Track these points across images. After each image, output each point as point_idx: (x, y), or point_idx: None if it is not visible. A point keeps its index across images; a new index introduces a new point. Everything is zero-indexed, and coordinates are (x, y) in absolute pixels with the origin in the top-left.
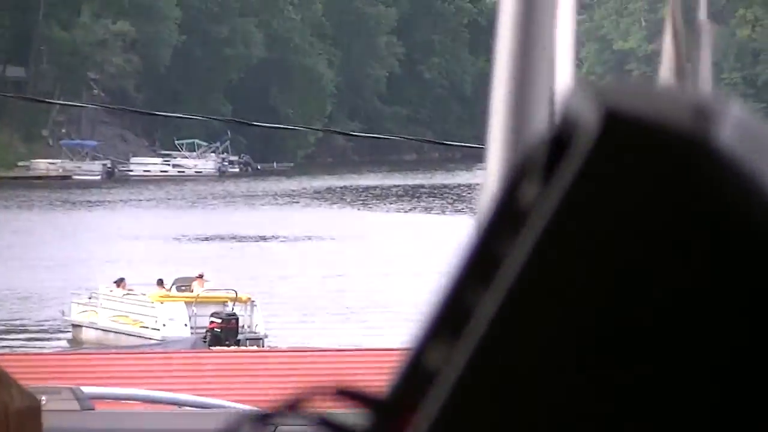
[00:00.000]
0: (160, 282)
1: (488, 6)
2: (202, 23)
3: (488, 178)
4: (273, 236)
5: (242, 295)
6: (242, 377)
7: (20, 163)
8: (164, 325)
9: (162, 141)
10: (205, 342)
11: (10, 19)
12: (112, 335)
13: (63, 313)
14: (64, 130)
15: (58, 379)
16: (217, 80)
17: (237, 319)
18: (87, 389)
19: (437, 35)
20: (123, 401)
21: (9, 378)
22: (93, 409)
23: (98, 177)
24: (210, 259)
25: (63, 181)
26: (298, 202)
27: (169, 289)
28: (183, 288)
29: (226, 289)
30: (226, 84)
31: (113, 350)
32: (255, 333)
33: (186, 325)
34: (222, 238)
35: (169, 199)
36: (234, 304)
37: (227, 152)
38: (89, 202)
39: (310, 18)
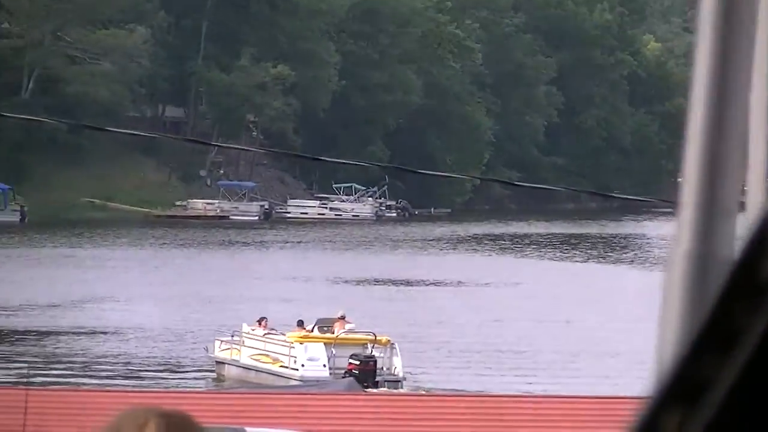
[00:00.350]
0: (300, 323)
1: (648, 58)
2: (362, 69)
3: (681, 232)
4: (428, 281)
5: (381, 338)
6: (394, 420)
7: (178, 203)
8: (303, 365)
9: (319, 184)
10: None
11: (170, 60)
12: (252, 373)
13: (206, 350)
14: (222, 171)
15: (219, 417)
16: (375, 125)
17: (375, 362)
18: (251, 430)
19: (596, 86)
20: None
21: (191, 422)
22: None
23: (255, 218)
24: (363, 301)
25: (220, 221)
26: (455, 248)
27: (311, 330)
28: (324, 329)
29: (366, 331)
30: (384, 129)
31: (274, 390)
32: (394, 375)
33: (325, 365)
34: (377, 282)
35: (325, 241)
36: (373, 346)
37: (385, 197)
38: (245, 242)
39: (469, 67)
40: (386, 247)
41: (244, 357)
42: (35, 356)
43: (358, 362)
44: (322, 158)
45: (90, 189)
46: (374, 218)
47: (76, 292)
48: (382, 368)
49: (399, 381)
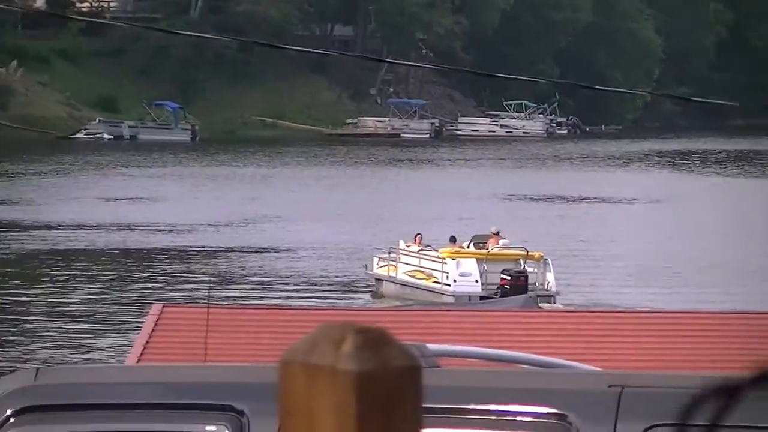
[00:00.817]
0: (453, 239)
1: None
2: None
3: None
4: (598, 198)
5: (534, 253)
6: (573, 336)
7: (348, 121)
8: (455, 280)
9: (489, 101)
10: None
11: None
12: (408, 289)
13: (366, 267)
14: (391, 89)
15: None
16: (544, 43)
17: (526, 277)
18: (432, 347)
19: (764, 2)
20: (464, 358)
21: (389, 337)
22: (438, 367)
23: (426, 135)
24: (527, 218)
25: (391, 139)
26: (628, 165)
27: (467, 246)
28: (480, 245)
29: (519, 246)
30: (554, 47)
31: (442, 307)
32: (546, 290)
33: (477, 281)
34: (549, 199)
35: (496, 159)
36: (525, 262)
37: (555, 114)
38: (415, 160)
39: None
40: (558, 164)
41: (400, 273)
42: (212, 274)
43: (509, 277)
44: (497, 75)
45: (260, 107)
46: (545, 135)
47: (247, 211)
48: (534, 283)
49: (552, 296)
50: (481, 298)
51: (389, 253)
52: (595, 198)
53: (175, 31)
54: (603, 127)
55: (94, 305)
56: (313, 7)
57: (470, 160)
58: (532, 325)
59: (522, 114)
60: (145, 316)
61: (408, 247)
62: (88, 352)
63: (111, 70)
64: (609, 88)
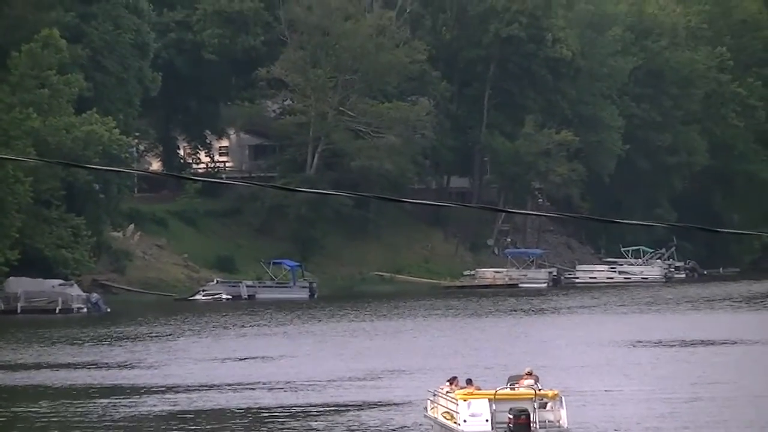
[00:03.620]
0: (469, 381)
1: None
2: (645, 131)
3: None
4: (718, 341)
5: (548, 392)
6: None
7: (466, 272)
8: (465, 420)
9: (607, 248)
10: None
11: (454, 130)
12: (439, 429)
13: (425, 409)
14: (509, 239)
15: None
16: (661, 188)
17: (528, 415)
18: None
19: None
20: None
21: None
22: None
23: (544, 284)
24: (640, 364)
25: (509, 289)
26: (746, 307)
27: (513, 387)
28: (513, 385)
29: (533, 387)
30: (670, 191)
31: None
32: (557, 426)
33: (487, 420)
34: (670, 344)
35: (615, 305)
36: (538, 400)
37: (673, 258)
38: (533, 309)
39: (753, 125)
40: (676, 307)
41: (438, 415)
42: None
43: (512, 416)
44: (615, 220)
45: (377, 262)
46: (663, 280)
47: (369, 365)
48: (536, 421)
49: (561, 429)
50: None
51: (434, 395)
52: (713, 341)
53: (292, 188)
54: (721, 269)
55: None
56: (429, 160)
57: (589, 307)
58: None
59: (640, 260)
60: None
61: (443, 390)
62: None
63: (228, 230)
64: (727, 230)
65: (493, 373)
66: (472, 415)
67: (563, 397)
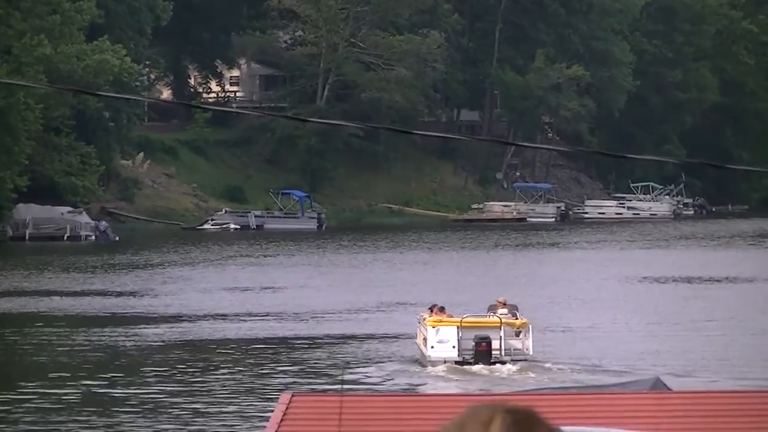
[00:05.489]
0: (440, 309)
1: None
2: (656, 67)
3: None
4: (725, 278)
5: (515, 321)
6: (704, 418)
7: (474, 206)
8: (432, 346)
9: (616, 184)
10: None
11: (465, 64)
12: (419, 355)
13: (416, 336)
14: (518, 173)
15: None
16: (671, 124)
17: (489, 343)
18: (566, 429)
19: None
20: None
21: (537, 417)
22: None
23: (552, 219)
24: (639, 299)
25: (517, 223)
26: (754, 245)
27: (494, 313)
28: (490, 313)
29: (508, 315)
30: (680, 128)
31: (571, 391)
32: (524, 355)
33: (454, 347)
34: (674, 280)
35: (624, 241)
36: (502, 329)
37: (682, 195)
38: (541, 244)
39: (764, 62)
40: (683, 244)
41: (419, 340)
42: (346, 362)
43: (474, 343)
44: (624, 155)
45: (386, 194)
46: (672, 216)
47: (375, 297)
48: (502, 348)
49: (525, 359)
50: (457, 362)
51: (419, 322)
52: (725, 278)
53: (302, 118)
54: (729, 207)
55: (223, 395)
56: (440, 93)
57: (596, 243)
58: (662, 406)
59: (649, 196)
60: (273, 405)
61: (424, 317)
62: None
63: (237, 160)
64: (736, 167)
65: (488, 304)
66: (440, 342)
67: (530, 327)
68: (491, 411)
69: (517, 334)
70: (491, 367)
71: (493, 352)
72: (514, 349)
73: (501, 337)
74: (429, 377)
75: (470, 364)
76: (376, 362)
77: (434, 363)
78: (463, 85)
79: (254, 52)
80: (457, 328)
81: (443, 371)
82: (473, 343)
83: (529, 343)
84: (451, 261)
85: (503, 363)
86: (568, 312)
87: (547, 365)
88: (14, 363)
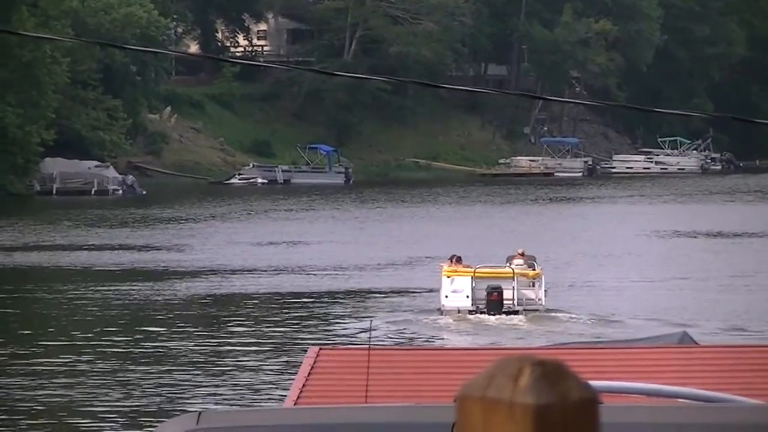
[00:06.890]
0: (457, 259)
1: None
2: (684, 22)
3: None
4: (753, 232)
5: (528, 271)
6: (734, 372)
7: (502, 161)
8: (446, 296)
9: (644, 139)
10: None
11: (492, 18)
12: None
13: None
14: (545, 128)
15: None
16: (699, 79)
17: (500, 293)
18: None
19: None
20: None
21: (566, 370)
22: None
23: (579, 174)
24: (662, 254)
25: (545, 178)
26: None
27: (510, 263)
28: (508, 264)
29: (524, 265)
30: (708, 82)
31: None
32: (535, 306)
33: (468, 296)
34: (702, 235)
35: (652, 196)
36: (516, 279)
37: (709, 150)
38: (569, 198)
39: None
40: (712, 199)
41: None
42: (373, 316)
43: (486, 293)
44: (652, 109)
45: (414, 149)
46: (699, 171)
47: (402, 252)
48: (514, 298)
49: (537, 309)
50: (470, 312)
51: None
52: (749, 233)
53: (330, 71)
54: (757, 162)
55: (251, 348)
56: (467, 48)
57: (623, 198)
58: (690, 360)
59: (676, 150)
60: (301, 359)
61: (443, 268)
62: (244, 396)
63: (265, 114)
64: (764, 121)
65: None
66: (454, 291)
67: (543, 277)
68: (520, 364)
69: (531, 285)
70: (502, 316)
71: (505, 302)
72: (526, 299)
73: (514, 287)
74: (440, 328)
75: (483, 313)
76: (403, 315)
77: (448, 312)
78: (491, 40)
79: (281, 6)
80: (471, 278)
81: (454, 320)
82: (486, 293)
83: (542, 293)
84: (477, 215)
85: (516, 313)
86: (593, 266)
87: (560, 315)
88: (43, 317)
